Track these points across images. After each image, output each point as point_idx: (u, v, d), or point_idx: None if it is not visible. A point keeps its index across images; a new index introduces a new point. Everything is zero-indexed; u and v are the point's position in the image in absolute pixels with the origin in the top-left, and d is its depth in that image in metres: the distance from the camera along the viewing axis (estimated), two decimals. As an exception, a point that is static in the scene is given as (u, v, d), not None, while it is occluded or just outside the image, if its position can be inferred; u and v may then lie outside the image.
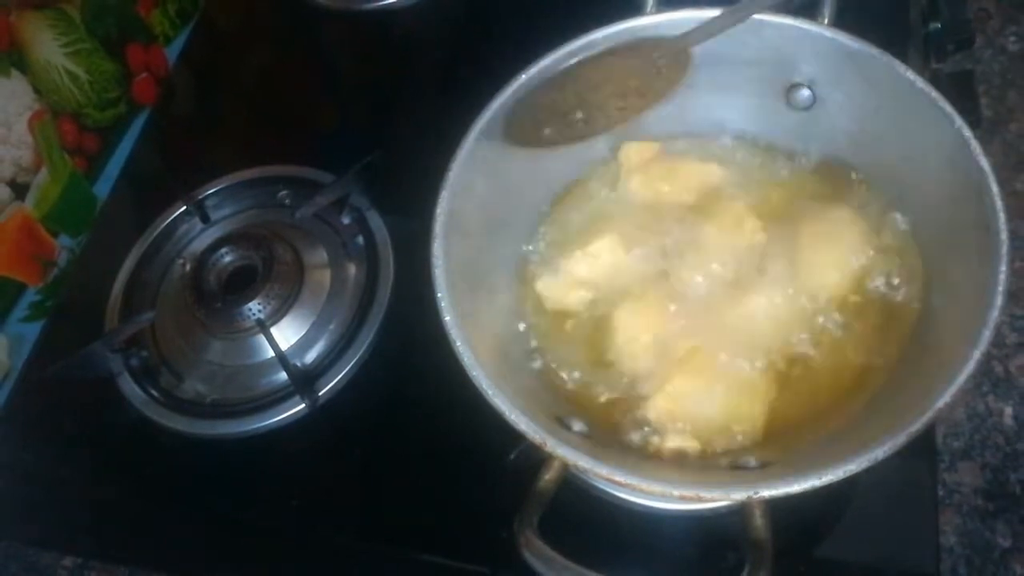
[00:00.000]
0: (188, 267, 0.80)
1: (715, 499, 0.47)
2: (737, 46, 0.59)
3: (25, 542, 0.87)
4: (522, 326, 0.61)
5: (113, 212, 0.93)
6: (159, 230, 0.85)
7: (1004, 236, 0.48)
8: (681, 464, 0.53)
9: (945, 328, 0.51)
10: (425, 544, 0.65)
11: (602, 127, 0.61)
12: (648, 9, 0.61)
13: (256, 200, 0.86)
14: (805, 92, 0.61)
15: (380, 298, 0.76)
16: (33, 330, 0.86)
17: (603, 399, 0.57)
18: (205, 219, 0.85)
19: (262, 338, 0.73)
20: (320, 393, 0.72)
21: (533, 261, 0.63)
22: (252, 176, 0.87)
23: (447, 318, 0.51)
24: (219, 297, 0.75)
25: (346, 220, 0.81)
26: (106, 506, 0.73)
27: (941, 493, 0.87)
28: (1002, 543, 0.84)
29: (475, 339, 0.51)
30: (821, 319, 0.57)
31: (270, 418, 0.71)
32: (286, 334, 0.75)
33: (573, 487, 0.60)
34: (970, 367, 0.45)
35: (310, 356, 0.74)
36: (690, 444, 0.53)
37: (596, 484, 0.61)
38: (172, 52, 1.04)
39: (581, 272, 0.60)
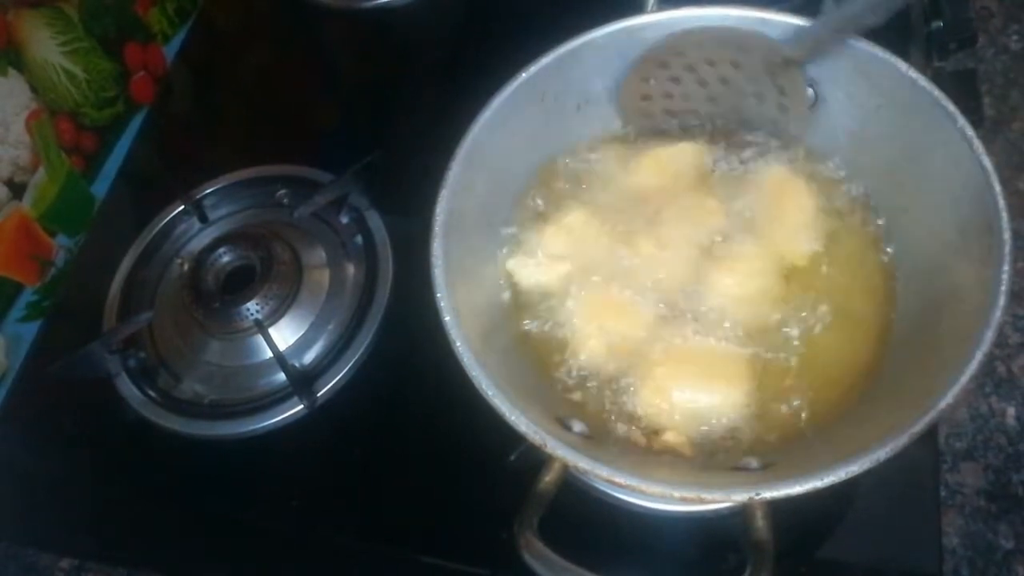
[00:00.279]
0: (186, 267, 0.80)
1: (716, 500, 0.46)
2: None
3: (23, 543, 0.87)
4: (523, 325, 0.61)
5: (111, 212, 0.93)
6: (157, 230, 0.85)
7: (1007, 236, 0.48)
8: (681, 464, 0.53)
9: (947, 328, 0.50)
10: (425, 545, 0.65)
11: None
12: (649, 8, 0.61)
13: (254, 200, 0.86)
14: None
15: (379, 298, 0.75)
16: (31, 330, 0.86)
17: (594, 393, 0.57)
18: (203, 218, 0.85)
19: (260, 338, 0.73)
20: (319, 394, 0.71)
21: (508, 243, 0.63)
22: (250, 175, 0.87)
23: (447, 318, 0.51)
24: (217, 297, 0.75)
25: (345, 220, 0.80)
26: (104, 507, 0.73)
27: (943, 494, 0.86)
28: (1004, 544, 0.84)
29: (475, 339, 0.51)
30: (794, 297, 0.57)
31: (269, 419, 0.71)
32: (284, 334, 0.74)
33: (573, 488, 0.60)
34: (972, 367, 0.45)
35: (309, 356, 0.74)
36: (679, 439, 0.53)
37: (596, 485, 0.61)
38: (170, 51, 1.04)
39: (551, 248, 0.60)
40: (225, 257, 0.77)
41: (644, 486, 0.44)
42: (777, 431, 0.54)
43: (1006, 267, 0.47)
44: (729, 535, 0.58)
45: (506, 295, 0.61)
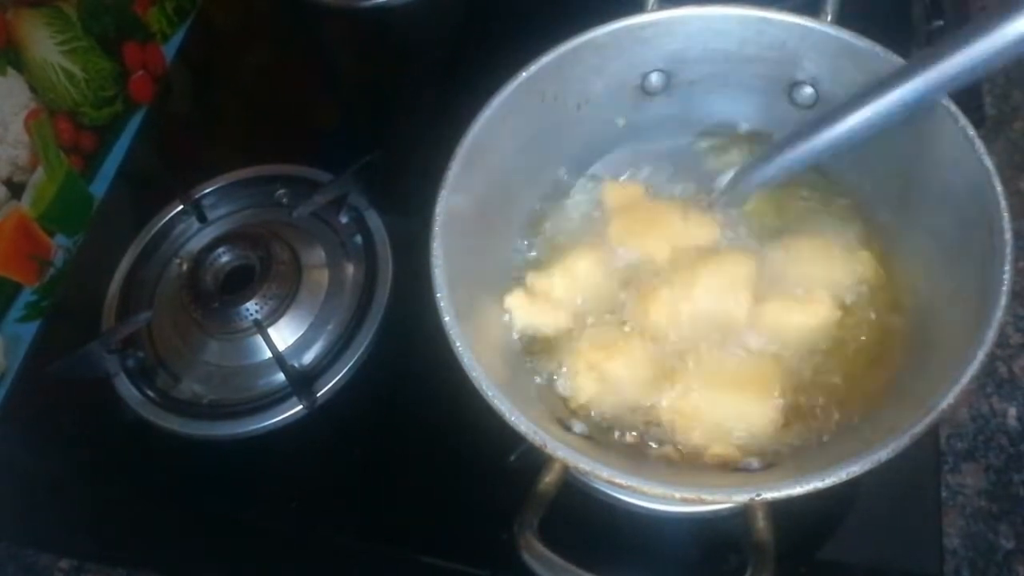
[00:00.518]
0: (185, 267, 0.80)
1: (717, 501, 0.46)
2: (740, 44, 0.59)
3: (22, 543, 0.87)
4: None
5: (109, 211, 0.92)
6: (156, 229, 0.85)
7: (1008, 236, 0.48)
8: (681, 465, 0.53)
9: (948, 328, 0.50)
10: (425, 545, 0.65)
11: None
12: (649, 7, 0.61)
13: (253, 199, 0.86)
14: (808, 90, 0.60)
15: (379, 298, 0.75)
16: (29, 330, 0.86)
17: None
18: (202, 218, 0.85)
19: (259, 338, 0.73)
20: (318, 394, 0.71)
21: (518, 266, 0.62)
22: (249, 175, 0.86)
23: (446, 318, 0.50)
24: (216, 297, 0.75)
25: (344, 219, 0.80)
26: (103, 507, 0.73)
27: (944, 495, 0.86)
28: (1005, 545, 0.84)
29: (475, 339, 0.51)
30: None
31: (268, 419, 0.71)
32: (284, 334, 0.74)
33: (574, 489, 0.60)
34: (974, 368, 0.44)
35: (308, 357, 0.74)
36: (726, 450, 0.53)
37: (597, 486, 0.61)
38: (169, 50, 1.04)
39: (554, 292, 0.58)
40: (224, 257, 0.77)
41: (645, 487, 0.44)
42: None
43: (1007, 267, 0.47)
44: (730, 536, 0.58)
45: (507, 297, 0.60)
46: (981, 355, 0.45)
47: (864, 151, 0.56)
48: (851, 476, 0.42)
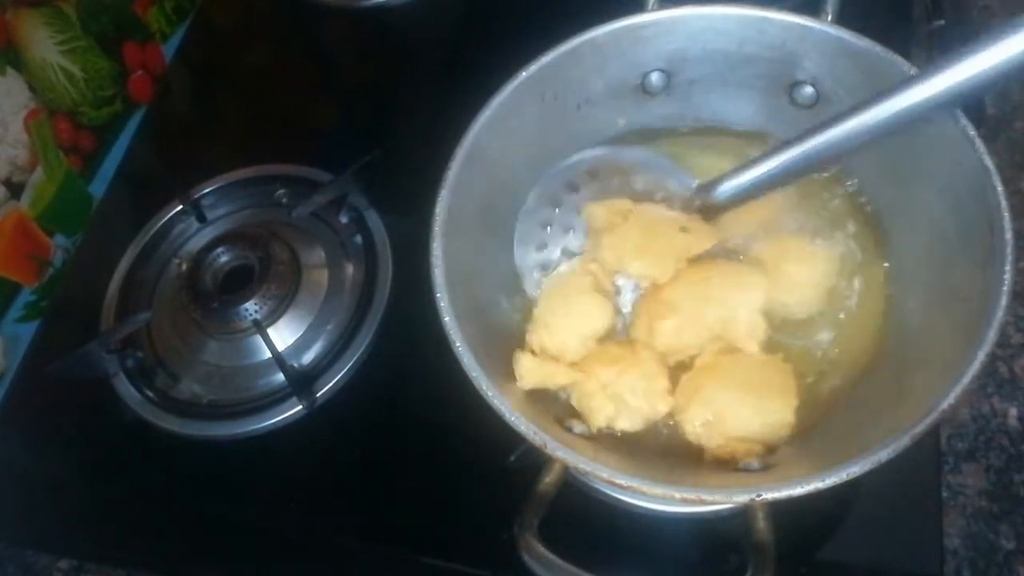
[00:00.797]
0: (184, 267, 0.80)
1: (717, 502, 0.46)
2: (740, 43, 0.59)
3: (21, 543, 0.87)
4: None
5: (109, 211, 0.92)
6: (155, 229, 0.85)
7: (1009, 235, 0.48)
8: (681, 465, 0.53)
9: (949, 328, 0.50)
10: (425, 546, 0.65)
11: None
12: (649, 7, 0.61)
13: (253, 199, 0.86)
14: (808, 89, 0.60)
15: (378, 298, 0.75)
16: (28, 330, 0.85)
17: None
18: (201, 218, 0.85)
19: (259, 339, 0.73)
20: (318, 394, 0.71)
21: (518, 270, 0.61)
22: (249, 175, 0.86)
23: (447, 318, 0.50)
24: (215, 297, 0.75)
25: (344, 219, 0.80)
26: (102, 507, 0.73)
27: (945, 495, 0.86)
28: (1006, 545, 0.84)
29: (475, 339, 0.51)
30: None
31: (268, 419, 0.71)
32: (283, 335, 0.74)
33: (574, 489, 0.60)
34: (974, 368, 0.44)
35: (308, 357, 0.74)
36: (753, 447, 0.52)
37: (597, 486, 0.61)
38: (169, 50, 1.04)
39: (564, 356, 0.56)
40: (223, 257, 0.77)
41: (645, 487, 0.44)
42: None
43: (1008, 267, 0.47)
44: (730, 536, 0.58)
45: (507, 298, 0.60)
46: (982, 355, 0.45)
47: (864, 151, 0.56)
48: (851, 476, 0.42)
